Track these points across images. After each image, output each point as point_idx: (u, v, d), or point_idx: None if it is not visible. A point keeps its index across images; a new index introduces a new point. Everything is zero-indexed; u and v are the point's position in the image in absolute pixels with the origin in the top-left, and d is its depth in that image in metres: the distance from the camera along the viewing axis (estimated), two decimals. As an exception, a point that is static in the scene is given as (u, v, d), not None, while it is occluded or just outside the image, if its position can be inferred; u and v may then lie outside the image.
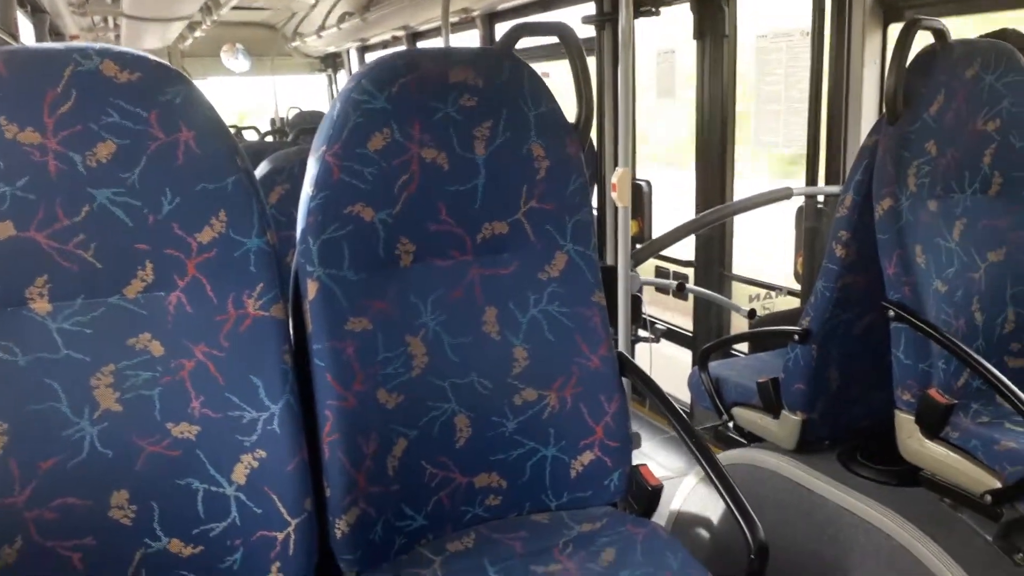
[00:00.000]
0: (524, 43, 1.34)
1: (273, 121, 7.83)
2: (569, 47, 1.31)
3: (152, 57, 1.09)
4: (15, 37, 3.95)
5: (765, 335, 2.24)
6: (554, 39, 1.37)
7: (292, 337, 1.19)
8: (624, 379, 1.34)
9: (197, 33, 6.32)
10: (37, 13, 5.16)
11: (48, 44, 1.08)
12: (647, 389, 1.28)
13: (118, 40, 6.86)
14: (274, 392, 1.12)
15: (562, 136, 1.29)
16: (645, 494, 1.27)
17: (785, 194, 2.50)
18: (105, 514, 1.07)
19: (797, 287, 2.78)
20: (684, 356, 3.40)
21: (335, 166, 1.18)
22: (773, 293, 2.79)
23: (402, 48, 5.96)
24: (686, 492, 1.96)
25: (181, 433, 1.10)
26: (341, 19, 5.15)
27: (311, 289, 1.18)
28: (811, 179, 2.63)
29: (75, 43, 1.08)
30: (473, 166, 1.26)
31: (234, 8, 4.89)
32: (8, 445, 1.03)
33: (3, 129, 1.01)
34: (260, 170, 1.85)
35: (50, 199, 1.05)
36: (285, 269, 1.22)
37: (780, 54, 2.75)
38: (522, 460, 1.29)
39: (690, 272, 3.32)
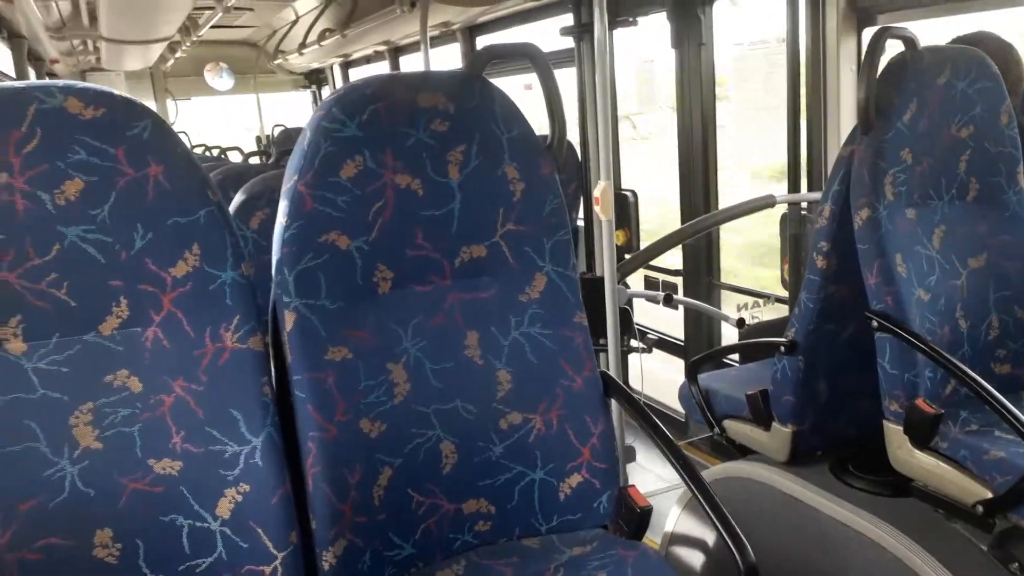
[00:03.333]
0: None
1: (259, 139, 7.83)
2: (539, 68, 1.30)
3: (116, 92, 1.07)
4: (-8, 67, 3.94)
5: (752, 347, 2.24)
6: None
7: (273, 368, 1.17)
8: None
9: (178, 53, 6.31)
10: (14, 39, 5.14)
11: (9, 84, 1.07)
12: (631, 409, 1.27)
13: (99, 63, 6.84)
14: (255, 425, 1.10)
15: (536, 157, 1.29)
16: (634, 516, 1.26)
17: (768, 202, 2.51)
18: (89, 553, 1.05)
19: (785, 294, 2.78)
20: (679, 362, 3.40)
21: (308, 196, 1.17)
22: (761, 301, 2.79)
23: (384, 63, 5.97)
24: (678, 512, 1.95)
25: (163, 469, 1.08)
26: (322, 36, 5.14)
27: (289, 320, 1.16)
28: (793, 186, 2.63)
29: (37, 81, 1.06)
30: (448, 190, 1.25)
31: (215, 27, 4.88)
32: None
33: None
34: (240, 196, 1.83)
35: (20, 238, 1.03)
36: (268, 294, 1.21)
37: (757, 61, 2.76)
38: (510, 484, 1.27)
39: (679, 280, 3.32)
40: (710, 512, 1.08)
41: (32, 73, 5.92)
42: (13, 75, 5.02)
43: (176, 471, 1.08)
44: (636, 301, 2.80)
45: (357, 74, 7.32)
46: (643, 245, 3.34)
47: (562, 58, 3.75)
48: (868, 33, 2.39)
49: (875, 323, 1.51)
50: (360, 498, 1.17)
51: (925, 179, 1.57)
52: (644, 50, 3.56)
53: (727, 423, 1.95)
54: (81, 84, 1.06)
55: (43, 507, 1.04)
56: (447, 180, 1.25)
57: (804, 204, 2.63)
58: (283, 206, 1.18)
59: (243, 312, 1.12)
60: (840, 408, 1.77)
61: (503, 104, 1.27)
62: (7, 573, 1.02)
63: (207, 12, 4.35)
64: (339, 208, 1.18)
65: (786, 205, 2.64)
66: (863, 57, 1.54)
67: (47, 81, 1.06)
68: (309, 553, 1.14)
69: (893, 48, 1.59)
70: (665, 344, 3.44)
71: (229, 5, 3.73)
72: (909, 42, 1.53)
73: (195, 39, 5.19)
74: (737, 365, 2.64)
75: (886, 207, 1.52)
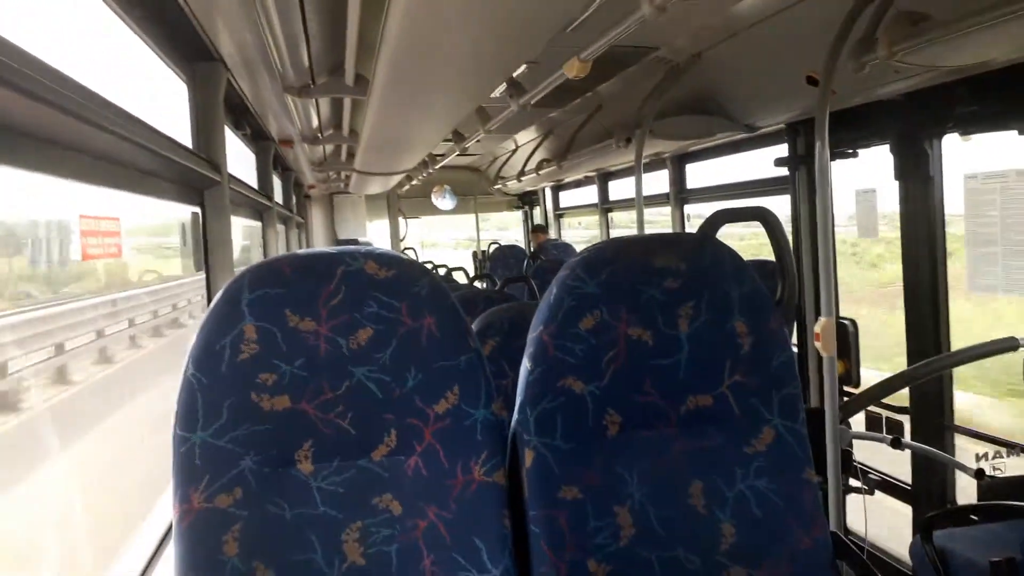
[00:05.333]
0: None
1: (475, 255, 8.44)
2: (771, 228, 1.37)
3: (404, 256, 1.29)
4: (270, 197, 4.67)
5: (1000, 508, 2.04)
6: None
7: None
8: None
9: (414, 181, 7.05)
10: (285, 172, 6.04)
11: (323, 249, 1.31)
12: (864, 574, 1.23)
13: (346, 188, 7.82)
14: (495, 556, 1.21)
15: (765, 313, 1.34)
16: None
17: (1011, 345, 2.33)
18: None
19: (1034, 444, 2.51)
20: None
21: (550, 345, 1.30)
22: (1004, 451, 2.54)
23: (593, 187, 6.27)
24: None
25: None
26: (540, 165, 5.54)
27: (528, 457, 1.28)
28: (1040, 327, 2.42)
29: (346, 248, 1.30)
30: (676, 342, 1.33)
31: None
32: None
33: (288, 319, 1.24)
34: (475, 326, 2.03)
35: (319, 375, 1.24)
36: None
37: (993, 195, 2.63)
38: None
39: (906, 419, 3.10)
40: None
41: (293, 197, 6.88)
42: (281, 201, 5.88)
43: None
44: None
45: (566, 196, 7.74)
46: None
47: (772, 186, 3.78)
48: None
49: None
50: None
51: None
52: (861, 178, 3.49)
53: (967, 589, 1.79)
54: (379, 250, 1.28)
55: None
56: (676, 332, 1.33)
57: (1054, 348, 2.41)
58: (528, 352, 1.32)
59: (491, 447, 1.25)
60: None
61: (733, 262, 1.34)
62: None
63: (445, 146, 4.89)
64: (576, 356, 1.30)
65: (1031, 348, 2.43)
66: None
67: (352, 247, 1.30)
68: None
69: None
70: (889, 486, 3.19)
71: (466, 145, 4.17)
72: None
73: (431, 171, 5.79)
74: (978, 522, 2.40)
75: None
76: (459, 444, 1.25)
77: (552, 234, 7.80)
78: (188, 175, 2.35)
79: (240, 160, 4.35)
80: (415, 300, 1.26)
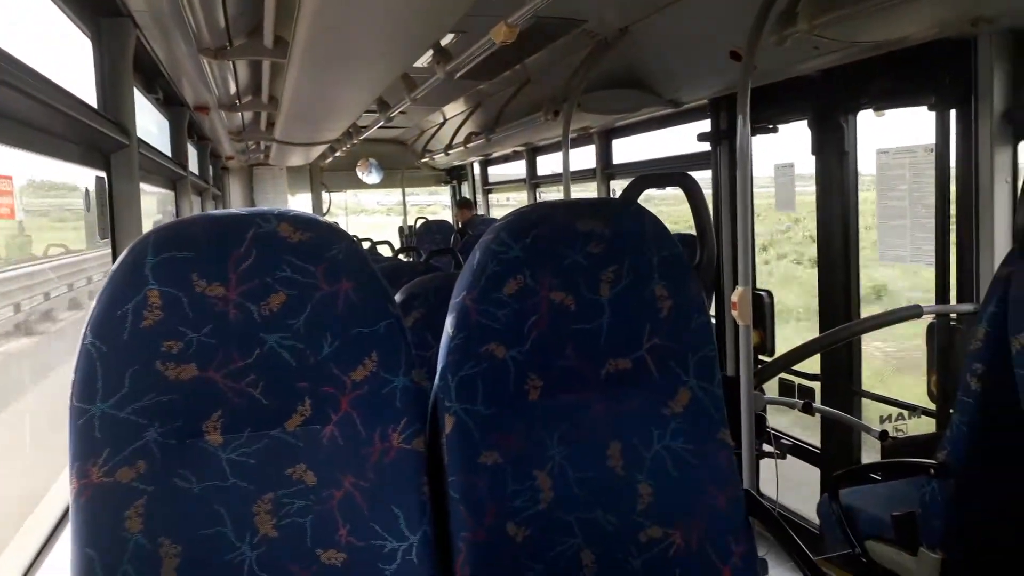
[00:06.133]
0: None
1: (401, 229, 8.34)
2: (691, 195, 1.38)
3: (320, 219, 1.25)
4: (184, 166, 4.49)
5: (900, 465, 2.15)
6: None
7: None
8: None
9: (338, 153, 6.89)
10: (201, 141, 5.82)
11: (234, 211, 1.25)
12: (774, 530, 1.27)
13: (266, 159, 7.59)
14: (413, 523, 1.19)
15: (684, 278, 1.36)
16: None
17: (915, 312, 2.44)
18: None
19: (932, 406, 2.65)
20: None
21: (473, 310, 1.29)
22: (906, 413, 2.67)
23: (521, 161, 6.27)
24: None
25: (329, 559, 1.18)
26: (468, 138, 5.50)
27: (448, 423, 1.26)
28: (942, 297, 2.55)
29: (258, 208, 1.25)
30: (598, 306, 1.34)
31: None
32: (180, 567, 1.14)
33: (194, 284, 1.18)
34: (399, 296, 2.00)
35: (228, 343, 1.19)
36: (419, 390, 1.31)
37: (903, 170, 2.74)
38: None
39: (817, 386, 3.23)
40: None
41: (210, 168, 6.64)
42: (197, 172, 5.66)
43: (340, 563, 1.18)
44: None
45: (495, 171, 7.71)
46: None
47: (695, 161, 3.85)
48: (1023, 146, 2.34)
49: None
50: None
51: None
52: (780, 153, 3.59)
53: (869, 544, 1.88)
54: (293, 212, 1.24)
55: None
56: (598, 297, 1.33)
57: (953, 315, 2.54)
58: (451, 318, 1.30)
59: (411, 415, 1.23)
60: (997, 538, 1.67)
61: (655, 228, 1.35)
62: None
63: (369, 118, 4.79)
64: (499, 321, 1.29)
65: (933, 315, 2.56)
66: (1023, 180, 1.52)
67: (265, 208, 1.24)
68: None
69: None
70: (800, 451, 3.32)
71: (391, 115, 4.09)
72: None
73: (355, 141, 5.67)
74: (880, 480, 2.53)
75: None
76: (377, 412, 1.22)
77: (482, 210, 7.75)
78: (93, 137, 2.22)
79: (152, 126, 4.16)
80: (331, 264, 1.22)
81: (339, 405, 1.22)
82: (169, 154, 4.31)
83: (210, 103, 4.36)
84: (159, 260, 1.15)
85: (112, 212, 2.46)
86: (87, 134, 2.15)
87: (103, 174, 2.43)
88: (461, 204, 7.53)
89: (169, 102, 4.30)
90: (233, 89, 4.07)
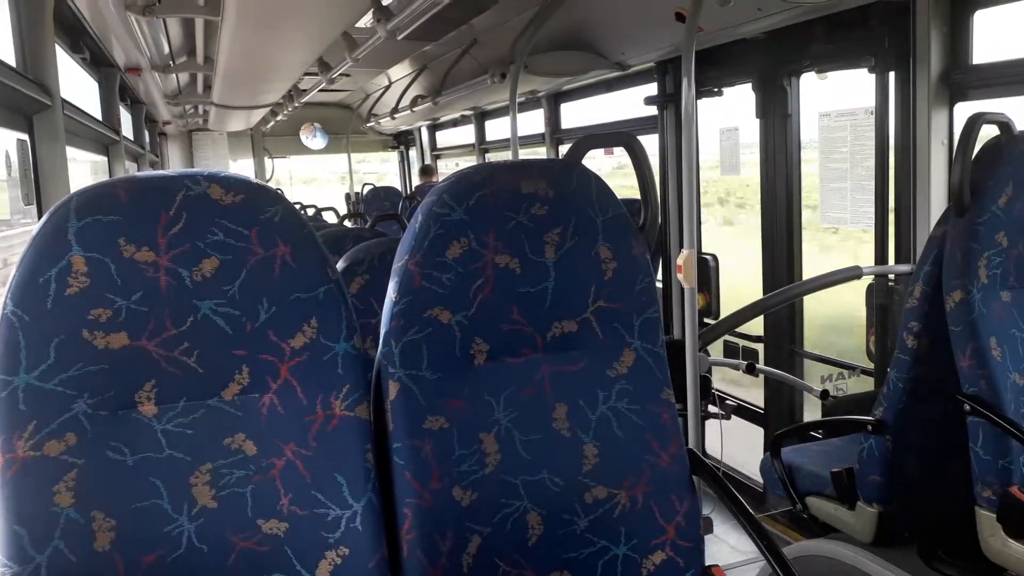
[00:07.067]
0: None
1: (348, 196, 8.18)
2: (635, 155, 1.37)
3: (254, 180, 1.20)
4: (117, 130, 4.30)
5: (838, 423, 2.21)
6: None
7: (373, 435, 1.25)
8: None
9: (279, 117, 6.70)
10: (135, 105, 5.59)
11: (162, 172, 1.19)
12: (717, 488, 1.29)
13: (205, 124, 7.35)
14: (357, 490, 1.17)
15: (628, 239, 1.35)
16: None
17: (855, 273, 2.49)
18: None
19: (871, 366, 2.73)
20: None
21: (416, 274, 1.26)
22: (846, 372, 2.74)
23: (470, 126, 6.19)
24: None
25: (270, 529, 1.16)
26: (414, 102, 5.39)
27: (392, 389, 1.24)
28: (880, 257, 2.61)
29: (187, 170, 1.19)
30: (543, 269, 1.32)
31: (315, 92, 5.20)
32: (115, 541, 1.11)
33: (122, 249, 1.12)
34: (342, 262, 1.95)
35: (160, 310, 1.14)
36: (365, 357, 1.29)
37: (844, 132, 2.78)
38: (593, 559, 1.30)
39: (760, 347, 3.30)
40: None
41: (147, 134, 6.40)
42: (131, 137, 5.45)
43: (282, 532, 1.16)
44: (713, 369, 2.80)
45: (443, 136, 7.61)
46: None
47: (643, 125, 3.84)
48: (960, 108, 2.39)
49: (967, 406, 1.49)
50: (451, 565, 1.21)
51: (1021, 262, 1.56)
52: (727, 118, 3.61)
53: (810, 500, 1.93)
54: (224, 173, 1.18)
55: (163, 561, 1.12)
56: (543, 259, 1.31)
57: (892, 276, 2.60)
58: (393, 283, 1.27)
59: (352, 382, 1.20)
60: (929, 490, 1.74)
61: (599, 189, 1.34)
62: None
63: (311, 80, 4.65)
64: (444, 285, 1.26)
65: (872, 276, 2.62)
66: (957, 141, 1.55)
67: (194, 170, 1.19)
68: None
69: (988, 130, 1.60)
70: (744, 411, 3.40)
71: (333, 75, 3.97)
72: (1005, 127, 1.54)
73: (297, 104, 5.51)
74: (821, 439, 2.60)
75: (980, 290, 1.51)
76: (318, 379, 1.19)
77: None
78: (12, 97, 2.10)
79: (80, 88, 3.97)
80: (266, 227, 1.17)
81: (278, 373, 1.19)
82: (99, 117, 4.12)
83: (142, 64, 4.17)
84: (83, 224, 1.10)
85: (37, 177, 2.34)
86: (5, 94, 2.03)
87: (25, 137, 2.30)
88: (423, 171, 7.40)
89: (97, 63, 4.10)
90: (166, 49, 3.91)
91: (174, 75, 4.53)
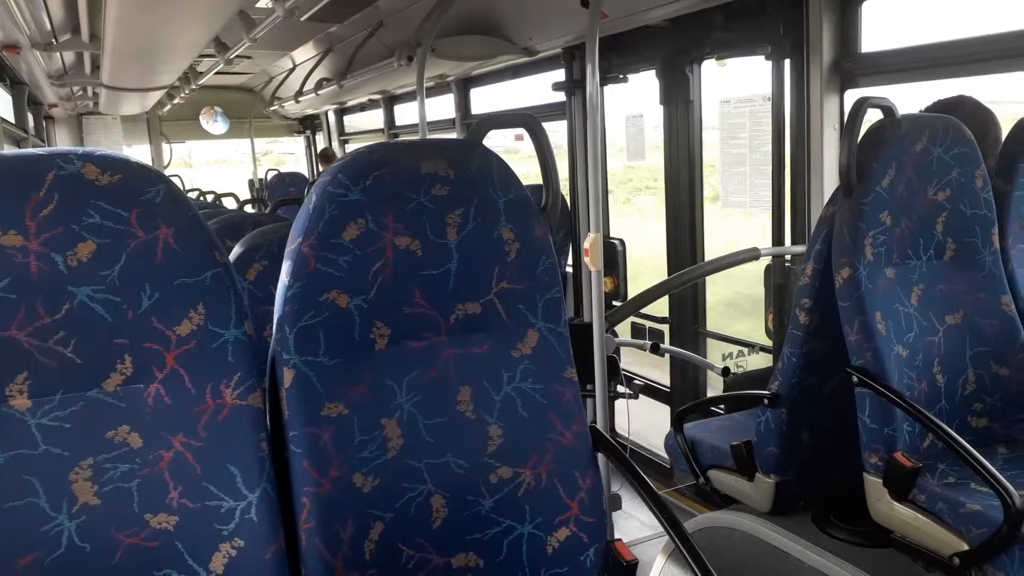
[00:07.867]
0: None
1: (251, 183, 7.90)
2: (536, 136, 1.36)
3: (133, 159, 1.13)
4: (-7, 111, 4.01)
5: (737, 398, 2.29)
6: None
7: (269, 424, 1.20)
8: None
9: (176, 100, 6.40)
10: (16, 85, 5.23)
11: (30, 151, 1.11)
12: (619, 464, 1.31)
13: (96, 107, 6.95)
14: (251, 480, 1.13)
15: (531, 220, 1.34)
16: (621, 570, 1.29)
17: (753, 255, 2.58)
18: None
19: (770, 343, 2.84)
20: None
21: (311, 256, 1.21)
22: (746, 350, 2.84)
23: (379, 110, 6.08)
24: (662, 562, 1.97)
25: (159, 524, 1.10)
26: (319, 85, 5.25)
27: (287, 377, 1.20)
28: (778, 239, 2.71)
29: (58, 148, 1.11)
30: (446, 251, 1.30)
31: (213, 74, 4.99)
32: None
33: None
34: (238, 248, 1.88)
35: (31, 298, 1.07)
36: (264, 345, 1.24)
37: (743, 119, 2.86)
38: (499, 538, 1.30)
39: (666, 328, 3.38)
40: (692, 564, 1.12)
41: (30, 117, 6.00)
42: (12, 120, 5.10)
43: (172, 526, 1.10)
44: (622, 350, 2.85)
45: (351, 120, 7.44)
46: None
47: (552, 111, 3.86)
48: (850, 94, 2.49)
49: (855, 378, 1.56)
50: (352, 553, 1.19)
51: (904, 240, 1.64)
52: (633, 105, 3.67)
53: (712, 473, 1.99)
54: (100, 151, 1.11)
55: (40, 562, 1.05)
56: (445, 241, 1.29)
57: (788, 256, 2.71)
58: (286, 266, 1.22)
59: (244, 369, 1.15)
60: (822, 460, 1.81)
61: (500, 170, 1.32)
62: None
63: (208, 61, 4.45)
64: (341, 268, 1.23)
65: (770, 257, 2.71)
66: (845, 125, 1.61)
67: (67, 148, 1.11)
68: None
69: (874, 114, 1.67)
70: (651, 390, 3.48)
71: (230, 56, 3.82)
72: (887, 111, 1.61)
73: (194, 87, 5.28)
74: (722, 414, 2.69)
75: (866, 267, 1.58)
76: (207, 368, 1.14)
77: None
78: None
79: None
80: (147, 209, 1.11)
81: (164, 362, 1.13)
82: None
83: (21, 42, 3.89)
84: None
85: None
86: None
87: None
88: (323, 155, 7.21)
89: (-32, 38, 3.81)
90: (47, 25, 3.66)
91: (58, 54, 4.25)
